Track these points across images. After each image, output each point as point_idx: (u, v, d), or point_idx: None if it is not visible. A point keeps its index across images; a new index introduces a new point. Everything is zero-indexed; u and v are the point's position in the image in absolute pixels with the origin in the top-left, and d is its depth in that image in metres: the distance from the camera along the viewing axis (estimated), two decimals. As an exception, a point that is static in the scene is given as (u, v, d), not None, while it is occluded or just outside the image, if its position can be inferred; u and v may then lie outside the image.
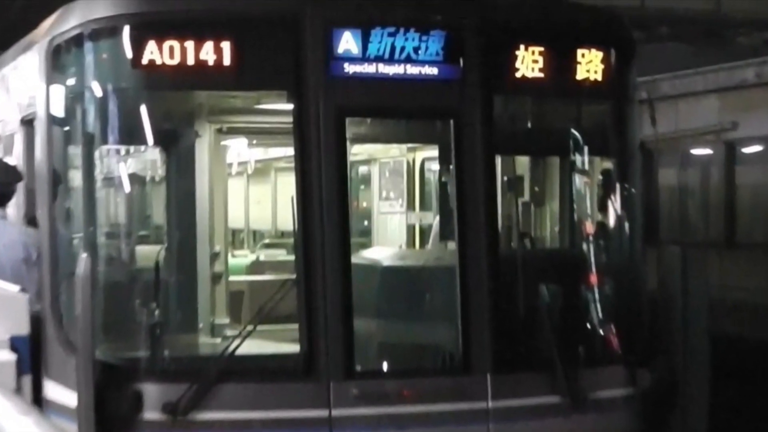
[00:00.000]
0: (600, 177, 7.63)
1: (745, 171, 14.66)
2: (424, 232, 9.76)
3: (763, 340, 11.79)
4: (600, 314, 7.10)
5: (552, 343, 6.52)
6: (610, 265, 7.38)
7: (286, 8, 6.40)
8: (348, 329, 6.22)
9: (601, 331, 7.13)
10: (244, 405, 6.12)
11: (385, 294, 7.37)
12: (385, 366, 6.74)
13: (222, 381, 6.06)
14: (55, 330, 6.40)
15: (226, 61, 6.17)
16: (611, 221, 7.35)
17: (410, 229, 9.89)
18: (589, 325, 7.15)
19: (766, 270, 13.25)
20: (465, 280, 6.43)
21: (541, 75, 6.70)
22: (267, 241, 14.37)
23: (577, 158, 7.57)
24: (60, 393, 6.29)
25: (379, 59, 6.39)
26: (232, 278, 8.81)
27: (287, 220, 6.63)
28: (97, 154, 6.62)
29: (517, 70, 6.67)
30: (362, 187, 11.48)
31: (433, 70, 6.49)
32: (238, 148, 10.75)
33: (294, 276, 6.40)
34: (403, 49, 6.41)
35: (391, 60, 6.40)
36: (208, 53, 6.13)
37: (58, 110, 6.61)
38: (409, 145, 9.89)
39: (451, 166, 6.67)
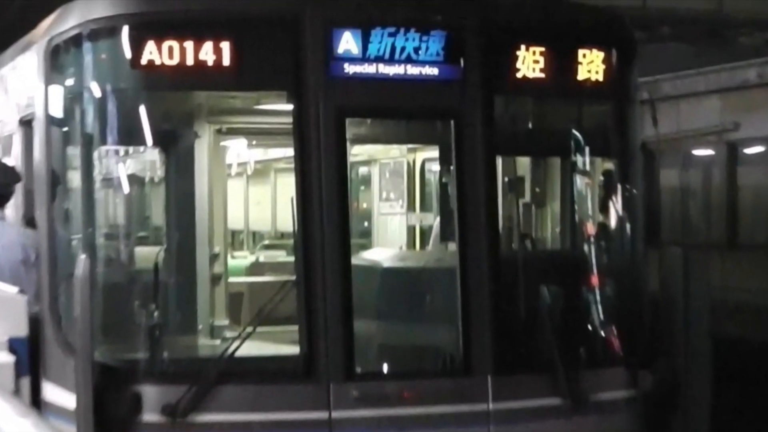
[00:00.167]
0: (601, 178, 7.61)
1: (747, 172, 14.63)
2: (425, 234, 9.73)
3: (764, 342, 11.77)
4: (601, 316, 7.08)
5: (553, 344, 6.50)
6: (612, 266, 7.35)
7: (285, 8, 6.38)
8: (348, 331, 6.19)
9: (602, 333, 7.11)
10: (244, 407, 6.10)
11: (386, 295, 7.34)
12: (385, 368, 6.72)
13: (221, 383, 6.04)
14: (53, 331, 6.38)
15: (226, 61, 6.14)
16: (612, 222, 7.32)
17: (410, 230, 9.86)
18: (590, 327, 7.13)
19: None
20: (465, 281, 6.40)
21: (542, 75, 6.68)
22: (267, 242, 14.34)
23: (578, 159, 7.54)
24: (59, 395, 6.27)
25: (379, 59, 6.37)
26: (231, 279, 8.78)
27: (287, 221, 6.60)
28: (95, 154, 6.60)
29: (518, 70, 6.64)
30: (362, 188, 11.45)
31: (433, 71, 6.46)
32: (238, 149, 10.73)
33: (294, 277, 6.37)
34: (403, 49, 6.39)
35: (391, 60, 6.38)
36: (207, 53, 6.11)
37: (57, 111, 6.58)
38: (410, 145, 9.86)
39: (451, 167, 6.64)
